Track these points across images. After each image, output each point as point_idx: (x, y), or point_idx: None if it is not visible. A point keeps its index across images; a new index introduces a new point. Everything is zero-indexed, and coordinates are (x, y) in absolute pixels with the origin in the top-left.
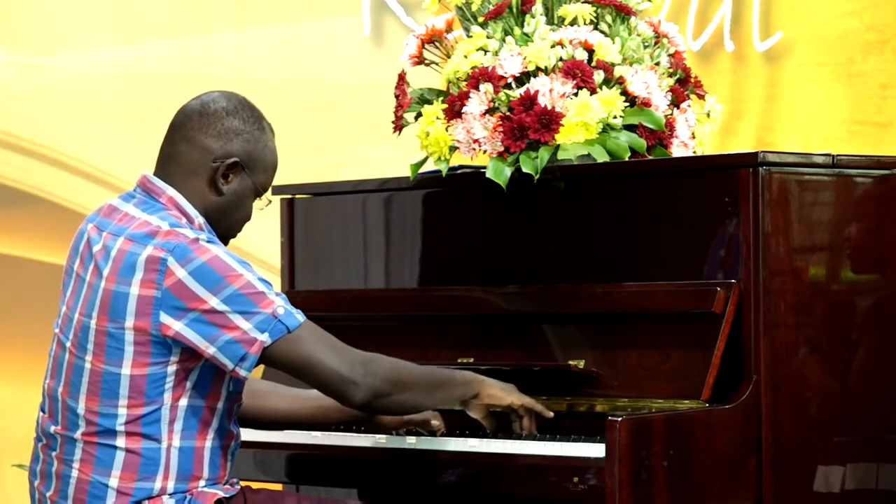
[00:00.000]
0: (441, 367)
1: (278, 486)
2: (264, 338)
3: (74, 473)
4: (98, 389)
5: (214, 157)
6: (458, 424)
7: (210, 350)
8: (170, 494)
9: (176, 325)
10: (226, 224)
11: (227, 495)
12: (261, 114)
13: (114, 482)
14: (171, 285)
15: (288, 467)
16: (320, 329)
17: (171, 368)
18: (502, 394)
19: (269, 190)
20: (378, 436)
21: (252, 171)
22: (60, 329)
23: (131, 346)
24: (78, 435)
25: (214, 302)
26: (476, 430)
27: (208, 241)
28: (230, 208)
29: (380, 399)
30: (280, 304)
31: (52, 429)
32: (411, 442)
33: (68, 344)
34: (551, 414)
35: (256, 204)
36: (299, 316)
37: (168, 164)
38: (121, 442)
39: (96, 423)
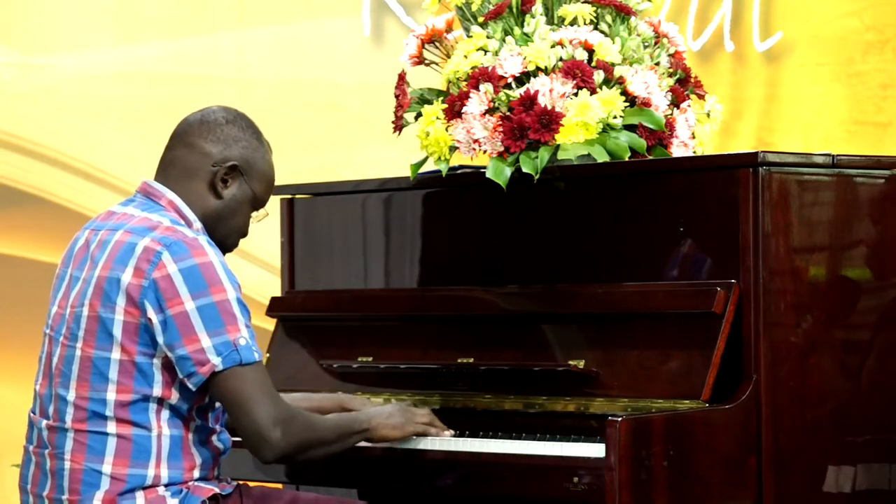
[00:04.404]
0: (345, 414)
1: (278, 486)
2: (217, 362)
3: (67, 465)
4: (88, 375)
5: (214, 162)
6: (458, 425)
7: (170, 354)
8: (165, 486)
9: (154, 318)
10: (221, 231)
11: (223, 492)
12: (259, 129)
13: (107, 468)
14: (158, 278)
15: (288, 467)
16: (266, 376)
17: (157, 361)
18: (394, 432)
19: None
20: None
21: (250, 178)
22: (51, 328)
23: (120, 331)
24: (69, 424)
25: (189, 306)
26: (476, 431)
27: (208, 244)
28: (227, 214)
29: (286, 460)
30: (244, 336)
31: (44, 424)
32: (411, 442)
33: (60, 338)
34: (449, 432)
35: (253, 216)
36: (256, 355)
37: (168, 169)
38: (111, 428)
39: (86, 408)
